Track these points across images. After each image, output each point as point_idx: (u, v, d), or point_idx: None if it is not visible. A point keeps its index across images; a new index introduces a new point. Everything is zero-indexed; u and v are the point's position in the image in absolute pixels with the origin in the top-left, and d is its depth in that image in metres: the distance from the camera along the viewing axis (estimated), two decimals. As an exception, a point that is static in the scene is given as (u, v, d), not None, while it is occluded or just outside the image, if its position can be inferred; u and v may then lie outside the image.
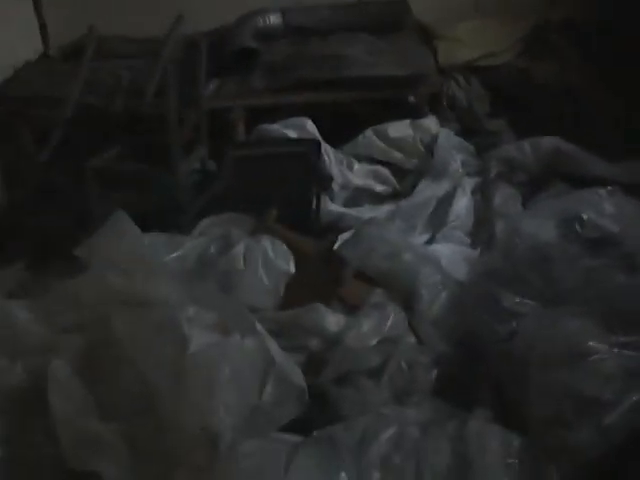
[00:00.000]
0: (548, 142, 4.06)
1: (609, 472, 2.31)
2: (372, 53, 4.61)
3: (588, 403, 2.32)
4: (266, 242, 3.02)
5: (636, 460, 2.25)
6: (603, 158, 4.03)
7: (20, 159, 4.25)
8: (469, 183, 3.96)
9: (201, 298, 2.51)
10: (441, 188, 3.88)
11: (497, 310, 2.67)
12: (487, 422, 2.42)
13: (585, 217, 2.60)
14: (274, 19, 4.95)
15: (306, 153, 3.86)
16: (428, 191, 3.89)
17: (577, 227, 2.60)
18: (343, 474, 2.28)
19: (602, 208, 2.60)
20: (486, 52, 4.94)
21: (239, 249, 2.99)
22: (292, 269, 3.00)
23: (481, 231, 3.64)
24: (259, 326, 2.54)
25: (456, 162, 4.03)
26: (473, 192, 3.93)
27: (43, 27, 5.55)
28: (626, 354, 2.33)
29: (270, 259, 2.97)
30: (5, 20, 4.86)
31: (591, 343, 2.36)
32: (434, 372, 2.76)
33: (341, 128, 4.33)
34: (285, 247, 3.03)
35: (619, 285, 2.46)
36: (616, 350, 2.34)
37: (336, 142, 4.20)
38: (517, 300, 2.65)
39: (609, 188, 2.76)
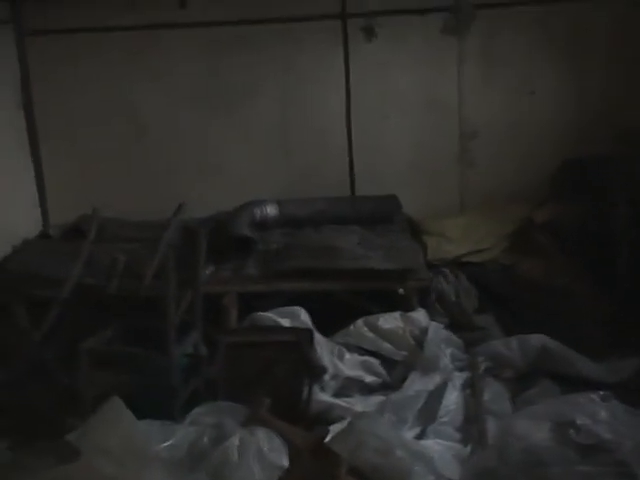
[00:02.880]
0: (535, 340, 4.16)
1: None
2: (364, 246, 4.78)
3: None
4: (260, 435, 3.01)
5: None
6: (589, 354, 4.13)
7: (14, 335, 4.27)
8: (458, 378, 3.99)
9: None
10: (431, 382, 3.91)
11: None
12: None
13: (580, 423, 2.63)
14: (270, 210, 5.14)
15: (299, 342, 3.91)
16: (418, 384, 3.92)
17: (572, 432, 2.63)
18: None
19: (596, 414, 2.63)
20: (473, 248, 5.13)
21: (233, 441, 2.98)
22: (285, 463, 2.98)
23: (471, 428, 3.63)
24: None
25: (446, 356, 4.09)
26: (462, 387, 3.95)
27: (44, 206, 5.73)
28: None
29: (264, 453, 2.95)
30: (6, 198, 5.02)
31: None
32: None
33: (332, 316, 4.40)
34: (279, 440, 3.03)
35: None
36: None
37: (327, 330, 4.27)
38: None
39: (602, 393, 2.81)
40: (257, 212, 5.08)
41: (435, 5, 5.42)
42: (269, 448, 2.97)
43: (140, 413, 3.20)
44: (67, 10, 5.41)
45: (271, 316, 4.17)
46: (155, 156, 5.66)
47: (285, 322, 4.13)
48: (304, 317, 4.19)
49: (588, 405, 2.68)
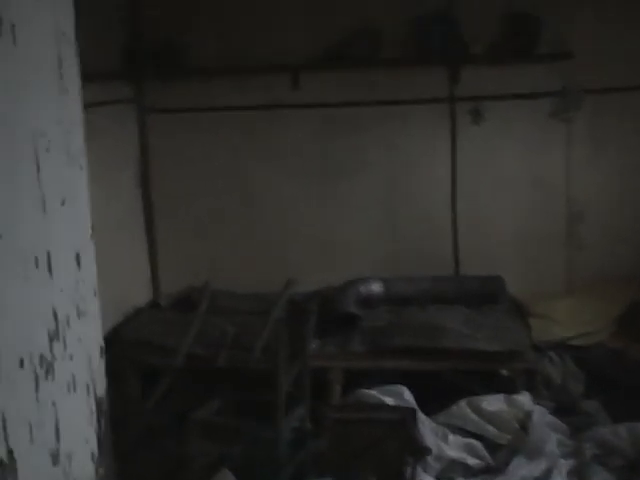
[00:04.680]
0: (644, 427, 4.06)
1: None
2: (469, 326, 4.79)
3: None
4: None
5: None
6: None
7: (126, 403, 4.41)
8: (564, 465, 3.92)
9: None
10: (537, 468, 3.86)
11: None
12: None
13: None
14: (375, 287, 5.22)
15: (402, 421, 3.93)
16: (523, 469, 3.87)
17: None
18: None
19: None
20: (580, 331, 5.07)
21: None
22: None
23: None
24: None
25: (552, 442, 4.02)
26: (568, 474, 3.88)
27: (155, 275, 5.95)
28: None
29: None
30: (120, 266, 5.24)
31: None
32: None
33: (434, 396, 4.41)
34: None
35: None
36: None
37: (429, 410, 4.27)
38: None
39: None
40: (362, 289, 5.17)
41: (544, 90, 5.49)
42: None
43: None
44: (186, 90, 5.71)
45: (375, 394, 4.20)
46: (264, 231, 5.85)
47: (389, 400, 4.15)
48: (407, 396, 4.20)
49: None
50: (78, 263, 2.33)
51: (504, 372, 4.66)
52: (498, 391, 4.42)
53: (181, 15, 5.58)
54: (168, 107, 5.71)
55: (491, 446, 4.17)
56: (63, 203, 2.25)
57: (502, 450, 4.15)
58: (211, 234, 5.87)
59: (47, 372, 2.13)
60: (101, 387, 2.46)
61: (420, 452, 3.88)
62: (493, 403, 4.30)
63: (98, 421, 2.43)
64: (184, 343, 4.54)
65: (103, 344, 2.50)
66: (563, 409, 4.52)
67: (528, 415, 4.24)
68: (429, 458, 3.99)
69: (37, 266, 2.09)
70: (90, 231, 2.42)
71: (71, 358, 2.26)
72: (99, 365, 2.46)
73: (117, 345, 4.84)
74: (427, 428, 4.06)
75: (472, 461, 4.09)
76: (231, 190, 5.84)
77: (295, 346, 4.07)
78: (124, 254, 5.39)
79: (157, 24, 5.54)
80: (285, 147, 5.77)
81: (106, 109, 4.88)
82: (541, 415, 4.24)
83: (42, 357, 2.11)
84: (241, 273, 5.72)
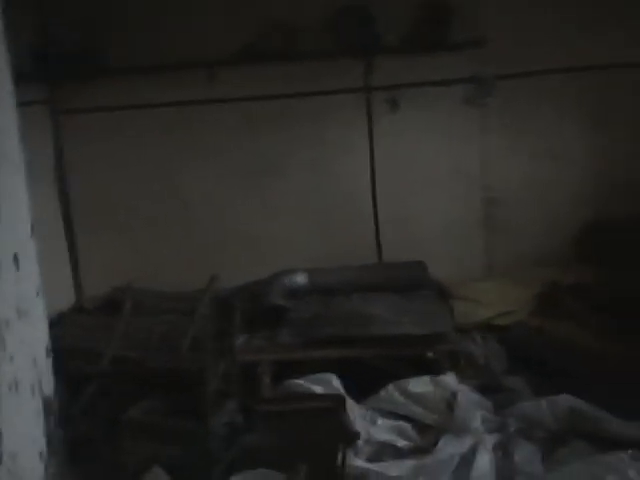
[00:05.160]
0: (564, 400, 4.20)
1: None
2: (394, 312, 4.87)
3: None
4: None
5: None
6: (619, 415, 4.15)
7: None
8: (490, 440, 4.03)
9: None
10: (463, 445, 3.95)
11: None
12: None
13: (610, 483, 2.69)
14: (300, 279, 5.27)
15: (332, 409, 3.98)
16: (450, 448, 3.96)
17: (602, 492, 2.68)
18: None
19: (626, 474, 2.69)
20: (501, 311, 5.20)
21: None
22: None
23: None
24: None
25: (476, 419, 4.13)
26: (494, 449, 3.99)
27: (77, 280, 5.89)
28: None
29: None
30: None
31: None
32: None
33: (363, 382, 4.47)
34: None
35: None
36: None
37: (359, 396, 4.34)
38: None
39: (630, 452, 2.86)
40: (287, 281, 5.21)
41: (458, 77, 5.59)
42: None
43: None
44: (103, 90, 5.67)
45: (304, 383, 4.26)
46: (189, 229, 5.85)
47: (318, 389, 4.21)
48: (336, 383, 4.27)
49: (618, 465, 2.74)
50: (16, 263, 2.30)
51: (430, 355, 4.76)
52: (425, 374, 4.52)
53: (97, 13, 5.53)
54: (84, 107, 5.66)
55: (419, 427, 4.28)
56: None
57: (430, 430, 4.25)
58: (133, 234, 5.85)
59: (-15, 374, 2.11)
60: (48, 387, 2.44)
61: (350, 438, 3.94)
62: (419, 385, 4.39)
63: (46, 420, 2.41)
64: (110, 346, 4.52)
65: (49, 344, 2.47)
66: (487, 387, 4.63)
67: (454, 395, 4.34)
68: (359, 443, 4.06)
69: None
70: (30, 231, 2.40)
71: (12, 359, 2.24)
72: (46, 365, 2.44)
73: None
74: (356, 414, 4.14)
75: (401, 443, 4.17)
76: (153, 188, 5.82)
77: (222, 342, 4.09)
78: (43, 259, 5.30)
79: (71, 24, 5.49)
80: (206, 143, 5.78)
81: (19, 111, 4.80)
82: (466, 394, 4.35)
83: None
84: (166, 272, 5.71)
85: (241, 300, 4.55)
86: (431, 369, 4.60)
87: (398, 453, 4.16)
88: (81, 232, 5.88)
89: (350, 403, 4.14)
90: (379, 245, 5.82)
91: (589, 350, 4.75)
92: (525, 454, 3.97)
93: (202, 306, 4.62)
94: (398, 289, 5.26)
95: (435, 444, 4.08)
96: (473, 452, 3.91)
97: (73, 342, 4.82)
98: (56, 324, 5.20)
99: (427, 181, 5.79)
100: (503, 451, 3.98)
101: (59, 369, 4.51)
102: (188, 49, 5.54)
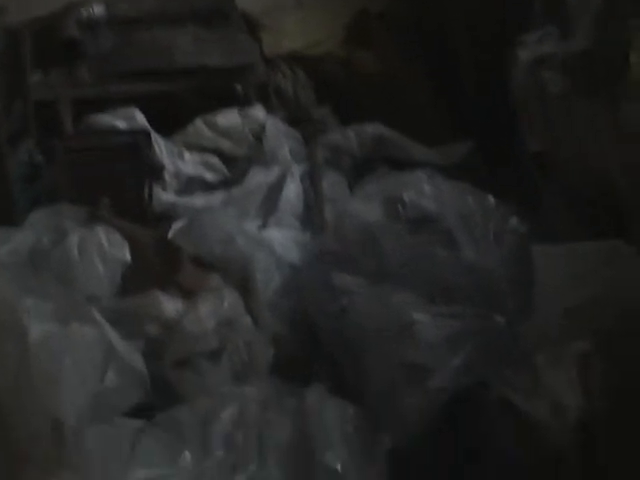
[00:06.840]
0: (371, 129, 4.29)
1: (439, 433, 2.49)
2: (199, 44, 4.66)
3: (415, 370, 2.49)
4: (100, 232, 3.02)
5: (459, 418, 2.45)
6: (423, 142, 4.29)
7: None
8: (298, 170, 4.07)
9: (37, 290, 2.50)
10: (271, 175, 3.99)
11: (329, 289, 2.79)
12: (324, 396, 2.53)
13: (406, 198, 2.77)
14: (98, 10, 4.90)
15: (136, 144, 3.87)
16: (259, 178, 3.99)
17: (399, 208, 2.76)
18: (187, 454, 2.34)
19: (422, 189, 2.77)
20: (309, 42, 5.09)
21: (72, 239, 2.97)
22: (128, 258, 3.01)
23: (311, 215, 3.77)
24: (97, 315, 2.56)
25: (284, 149, 4.15)
26: (302, 178, 4.05)
27: None
28: (447, 323, 2.52)
29: (105, 248, 2.97)
30: None
31: (415, 314, 2.53)
32: (271, 352, 2.87)
33: (170, 118, 4.36)
34: (119, 236, 3.04)
35: (440, 259, 2.65)
36: (438, 319, 2.52)
37: (166, 132, 4.23)
38: (348, 278, 2.77)
39: (428, 170, 2.95)
40: (83, 12, 4.83)
41: None
42: (110, 244, 2.99)
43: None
44: None
45: (107, 119, 4.09)
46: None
47: (121, 124, 4.06)
48: (140, 118, 4.12)
49: (414, 182, 2.81)
50: None
51: (237, 88, 4.66)
52: (233, 107, 4.44)
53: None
54: None
55: (228, 160, 4.26)
56: None
57: (239, 163, 4.24)
58: None
59: None
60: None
61: (155, 171, 3.88)
62: (227, 118, 4.33)
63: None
64: None
65: None
66: (295, 119, 4.64)
67: (262, 127, 4.33)
68: (167, 177, 4.01)
69: None
70: None
71: None
72: None
73: None
74: (162, 149, 4.04)
75: (210, 175, 4.16)
76: None
77: (13, 79, 3.83)
78: None
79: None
80: None
81: None
82: (274, 125, 4.33)
83: None
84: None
85: (33, 33, 4.19)
86: (239, 102, 4.52)
87: (207, 186, 4.16)
88: None
89: (155, 137, 4.02)
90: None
91: (393, 78, 4.80)
92: (332, 182, 4.06)
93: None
94: (203, 21, 5.01)
95: (244, 176, 4.10)
96: (281, 181, 3.96)
97: None
98: None
99: None
100: (310, 180, 4.05)
101: None
102: None
